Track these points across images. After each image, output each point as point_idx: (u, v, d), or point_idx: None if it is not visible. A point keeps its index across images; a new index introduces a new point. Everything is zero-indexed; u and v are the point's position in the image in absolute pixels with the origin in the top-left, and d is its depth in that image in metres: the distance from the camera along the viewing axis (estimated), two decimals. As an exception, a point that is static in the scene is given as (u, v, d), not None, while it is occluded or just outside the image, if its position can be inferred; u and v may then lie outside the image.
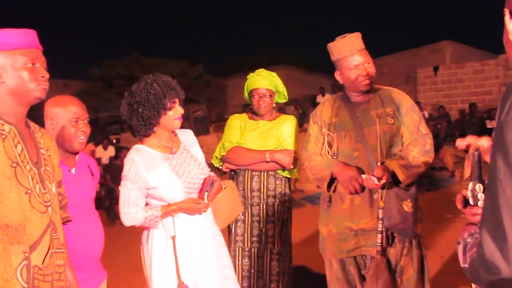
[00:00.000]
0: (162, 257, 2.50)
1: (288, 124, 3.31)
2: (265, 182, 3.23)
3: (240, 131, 3.34)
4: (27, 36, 1.75)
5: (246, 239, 3.20)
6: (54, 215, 1.78)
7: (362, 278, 2.77)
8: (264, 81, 3.27)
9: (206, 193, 2.49)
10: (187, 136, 2.72)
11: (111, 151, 12.76)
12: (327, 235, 2.81)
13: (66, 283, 1.88)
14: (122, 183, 2.49)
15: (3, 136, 1.65)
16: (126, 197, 2.46)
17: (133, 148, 2.53)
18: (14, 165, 1.65)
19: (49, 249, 1.73)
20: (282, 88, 3.35)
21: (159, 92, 2.42)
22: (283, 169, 3.22)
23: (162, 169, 2.48)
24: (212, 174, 2.64)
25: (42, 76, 1.76)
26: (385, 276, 2.61)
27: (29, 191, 1.68)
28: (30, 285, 1.66)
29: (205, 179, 2.56)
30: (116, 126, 23.89)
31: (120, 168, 9.30)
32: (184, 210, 2.50)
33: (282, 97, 3.41)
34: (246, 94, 3.40)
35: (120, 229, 8.44)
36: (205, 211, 2.54)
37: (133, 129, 2.54)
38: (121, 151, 11.18)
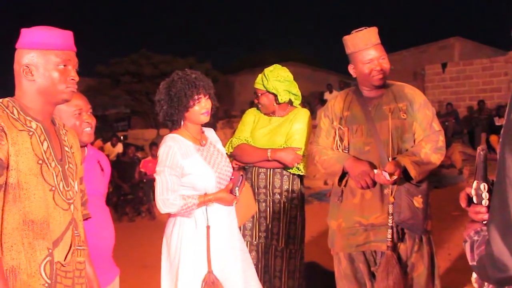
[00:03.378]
0: (192, 246, 2.56)
1: (299, 119, 3.26)
2: (271, 179, 3.21)
3: (252, 126, 3.35)
4: (63, 38, 1.77)
5: (254, 234, 3.22)
6: (76, 213, 1.81)
7: (372, 275, 2.76)
8: (257, 79, 3.32)
9: (237, 188, 2.58)
10: (211, 133, 2.85)
11: (119, 148, 12.79)
12: (336, 229, 2.81)
13: (86, 280, 1.90)
14: (158, 169, 2.57)
15: (30, 133, 1.68)
16: (164, 183, 2.53)
17: (168, 137, 2.64)
18: (40, 162, 1.67)
19: (71, 246, 1.76)
20: (279, 89, 3.24)
21: (180, 91, 2.55)
22: (287, 167, 3.19)
23: (196, 158, 2.60)
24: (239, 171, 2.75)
25: (72, 79, 1.77)
26: (395, 272, 2.60)
27: (53, 188, 1.70)
28: (53, 281, 1.68)
29: (235, 174, 2.66)
30: (124, 123, 23.99)
31: (127, 165, 9.38)
32: (219, 200, 2.60)
33: (289, 96, 3.31)
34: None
35: (127, 226, 8.52)
36: (236, 203, 2.66)
37: (163, 123, 2.70)
38: (129, 148, 11.22)
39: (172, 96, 2.56)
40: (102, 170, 2.51)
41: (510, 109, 1.15)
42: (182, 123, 2.63)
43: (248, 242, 3.21)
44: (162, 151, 2.58)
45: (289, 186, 3.22)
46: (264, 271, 3.20)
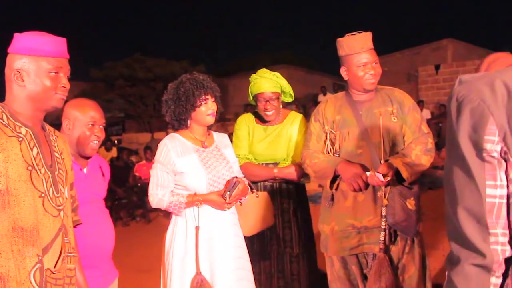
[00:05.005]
0: (182, 246, 2.59)
1: (296, 128, 3.21)
2: (278, 191, 3.20)
3: (248, 139, 3.27)
4: (56, 44, 1.76)
5: (265, 242, 3.18)
6: (65, 219, 1.79)
7: (364, 277, 2.77)
8: (269, 84, 3.15)
9: (227, 193, 2.57)
10: (222, 139, 2.87)
11: (113, 152, 12.74)
12: (329, 233, 2.81)
13: (76, 287, 1.89)
14: (153, 165, 2.66)
15: (20, 139, 1.66)
16: (155, 179, 2.62)
17: (168, 135, 2.72)
18: (30, 168, 1.66)
19: (61, 253, 1.75)
20: (288, 88, 3.24)
21: (188, 90, 2.61)
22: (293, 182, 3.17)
23: (191, 158, 2.62)
24: (240, 177, 2.71)
25: (63, 87, 1.77)
26: (388, 274, 2.61)
27: (42, 195, 1.69)
28: None
29: (229, 180, 2.65)
30: (118, 127, 23.92)
31: (122, 169, 9.38)
32: (208, 202, 2.61)
33: (288, 96, 3.31)
34: (250, 98, 3.30)
35: (122, 230, 8.49)
36: (228, 208, 2.64)
37: (170, 123, 2.75)
38: (123, 152, 11.19)
39: (180, 95, 2.62)
40: (103, 175, 2.56)
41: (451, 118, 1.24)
42: (189, 123, 2.67)
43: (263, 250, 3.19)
44: (158, 149, 2.66)
45: (295, 193, 3.23)
46: (279, 277, 3.18)
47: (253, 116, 3.37)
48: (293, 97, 3.36)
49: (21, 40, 1.73)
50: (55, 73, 1.74)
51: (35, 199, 1.66)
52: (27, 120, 1.73)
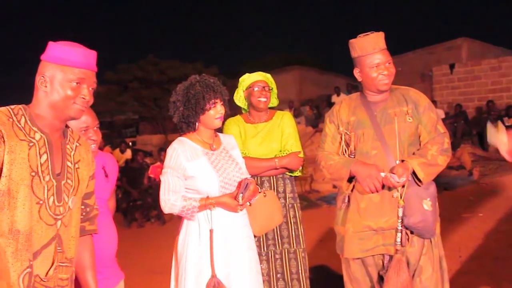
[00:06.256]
0: (196, 250, 2.58)
1: (286, 122, 3.31)
2: (275, 186, 3.24)
3: (240, 138, 3.30)
4: (84, 56, 1.79)
5: (262, 244, 3.20)
6: (63, 229, 1.80)
7: (380, 279, 2.75)
8: (262, 76, 3.33)
9: (240, 195, 2.58)
10: (229, 140, 2.89)
11: (128, 154, 12.83)
12: (345, 234, 2.80)
13: None
14: (163, 171, 2.64)
15: (31, 144, 1.70)
16: (166, 184, 2.59)
17: (176, 139, 2.70)
18: (33, 174, 1.69)
19: (53, 262, 1.76)
20: (275, 89, 3.39)
21: (198, 93, 2.61)
22: (291, 171, 3.25)
23: (201, 161, 2.62)
24: (249, 178, 2.73)
25: (83, 98, 1.79)
26: (404, 275, 2.58)
27: (40, 202, 1.71)
28: None
29: (240, 181, 2.66)
30: (132, 129, 24.09)
31: (136, 170, 9.39)
32: (221, 205, 2.60)
33: (274, 98, 3.43)
34: (241, 94, 3.40)
35: (136, 232, 8.55)
36: (241, 210, 2.64)
37: (178, 125, 2.73)
38: (137, 153, 11.25)
39: (190, 98, 2.61)
40: (107, 176, 2.54)
41: None
42: (196, 126, 2.67)
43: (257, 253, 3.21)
44: (168, 153, 2.65)
45: (290, 188, 3.27)
46: (278, 278, 3.19)
47: (240, 117, 3.42)
48: (278, 101, 3.47)
49: (52, 48, 1.78)
50: (77, 83, 1.77)
51: (32, 205, 1.68)
52: (45, 126, 1.76)
